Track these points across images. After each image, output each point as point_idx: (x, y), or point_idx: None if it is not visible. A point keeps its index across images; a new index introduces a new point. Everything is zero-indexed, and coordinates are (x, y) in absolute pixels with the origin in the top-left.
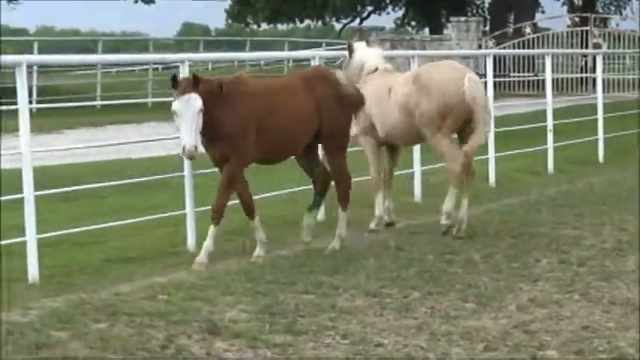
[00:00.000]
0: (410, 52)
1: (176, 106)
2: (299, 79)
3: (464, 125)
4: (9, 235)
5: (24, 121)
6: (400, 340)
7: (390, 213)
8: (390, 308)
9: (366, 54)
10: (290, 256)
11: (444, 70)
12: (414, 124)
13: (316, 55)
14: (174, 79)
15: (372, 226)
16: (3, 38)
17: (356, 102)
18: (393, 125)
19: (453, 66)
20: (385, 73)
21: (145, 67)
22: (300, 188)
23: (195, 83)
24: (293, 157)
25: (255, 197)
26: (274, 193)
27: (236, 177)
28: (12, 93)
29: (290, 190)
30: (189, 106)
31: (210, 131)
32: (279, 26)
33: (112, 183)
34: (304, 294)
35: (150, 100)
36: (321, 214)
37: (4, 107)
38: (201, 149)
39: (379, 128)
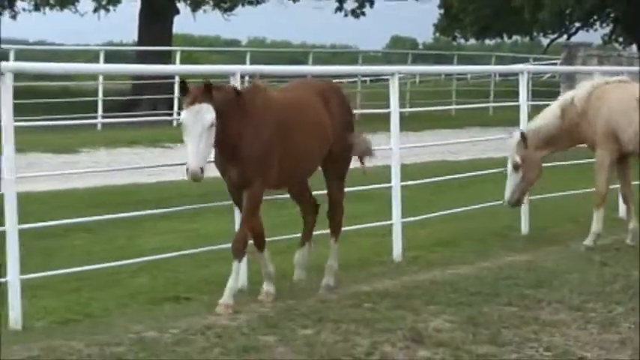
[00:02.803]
0: (617, 68)
1: (184, 117)
2: (313, 92)
3: None
4: (216, 241)
5: None
6: (603, 354)
7: (635, 234)
8: (593, 322)
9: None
10: (494, 268)
11: None
12: None
13: (524, 70)
14: (184, 86)
15: (589, 242)
16: (218, 49)
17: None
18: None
19: None
20: (625, 85)
21: (354, 79)
22: (501, 202)
23: (207, 92)
24: None
25: (454, 211)
26: (474, 206)
27: (260, 201)
28: None
29: (491, 203)
30: (198, 119)
31: (228, 148)
32: (487, 41)
33: (315, 192)
34: (507, 306)
35: (357, 111)
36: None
37: None
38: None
39: (625, 138)
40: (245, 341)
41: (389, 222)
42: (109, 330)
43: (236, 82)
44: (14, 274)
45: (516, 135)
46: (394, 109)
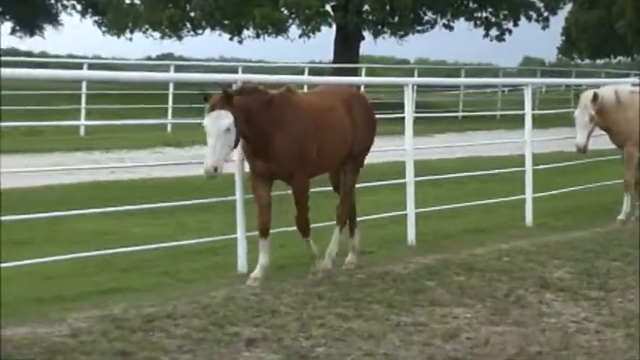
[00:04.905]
0: None
1: (205, 122)
2: (338, 98)
3: None
4: (393, 210)
5: (409, 126)
6: None
7: None
8: None
9: (612, 87)
10: (604, 232)
11: None
12: None
13: (627, 82)
14: (206, 96)
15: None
16: (392, 66)
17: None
18: None
19: None
20: None
21: (495, 89)
22: (608, 182)
23: (226, 100)
24: None
25: (573, 189)
26: (588, 185)
27: (308, 189)
28: (400, 106)
29: (599, 184)
30: (215, 124)
31: (257, 143)
32: (597, 61)
33: (467, 174)
34: (614, 261)
35: (498, 113)
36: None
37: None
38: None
39: None
40: (413, 285)
41: (522, 196)
42: (307, 275)
43: (408, 92)
44: (242, 231)
45: (590, 93)
46: (527, 111)
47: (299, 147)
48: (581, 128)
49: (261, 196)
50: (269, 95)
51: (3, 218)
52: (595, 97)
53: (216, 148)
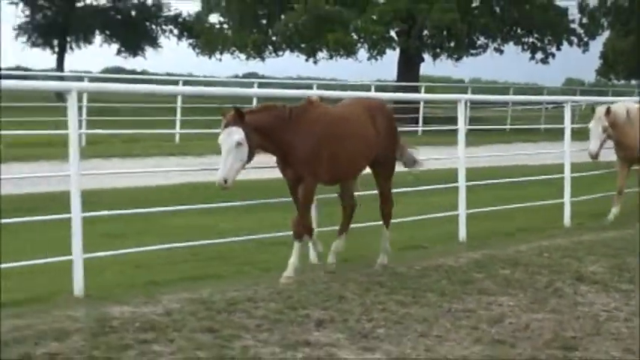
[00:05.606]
0: None
1: (220, 137)
2: (362, 108)
3: None
4: (446, 210)
5: (462, 137)
6: None
7: None
8: None
9: (624, 104)
10: (634, 232)
11: None
12: None
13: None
14: (223, 112)
15: None
16: (449, 84)
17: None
18: None
19: None
20: None
21: (539, 106)
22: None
23: (238, 117)
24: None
25: (607, 194)
26: (612, 192)
27: (313, 194)
28: (455, 120)
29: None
30: (227, 140)
31: (282, 154)
32: (632, 82)
33: (513, 179)
34: None
35: (542, 126)
36: None
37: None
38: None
39: None
40: (463, 276)
41: (561, 200)
42: (369, 266)
43: (461, 107)
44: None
45: (604, 107)
46: (567, 125)
47: (311, 153)
48: (594, 138)
49: (297, 199)
50: (287, 110)
51: (102, 213)
52: (608, 111)
53: (227, 161)
